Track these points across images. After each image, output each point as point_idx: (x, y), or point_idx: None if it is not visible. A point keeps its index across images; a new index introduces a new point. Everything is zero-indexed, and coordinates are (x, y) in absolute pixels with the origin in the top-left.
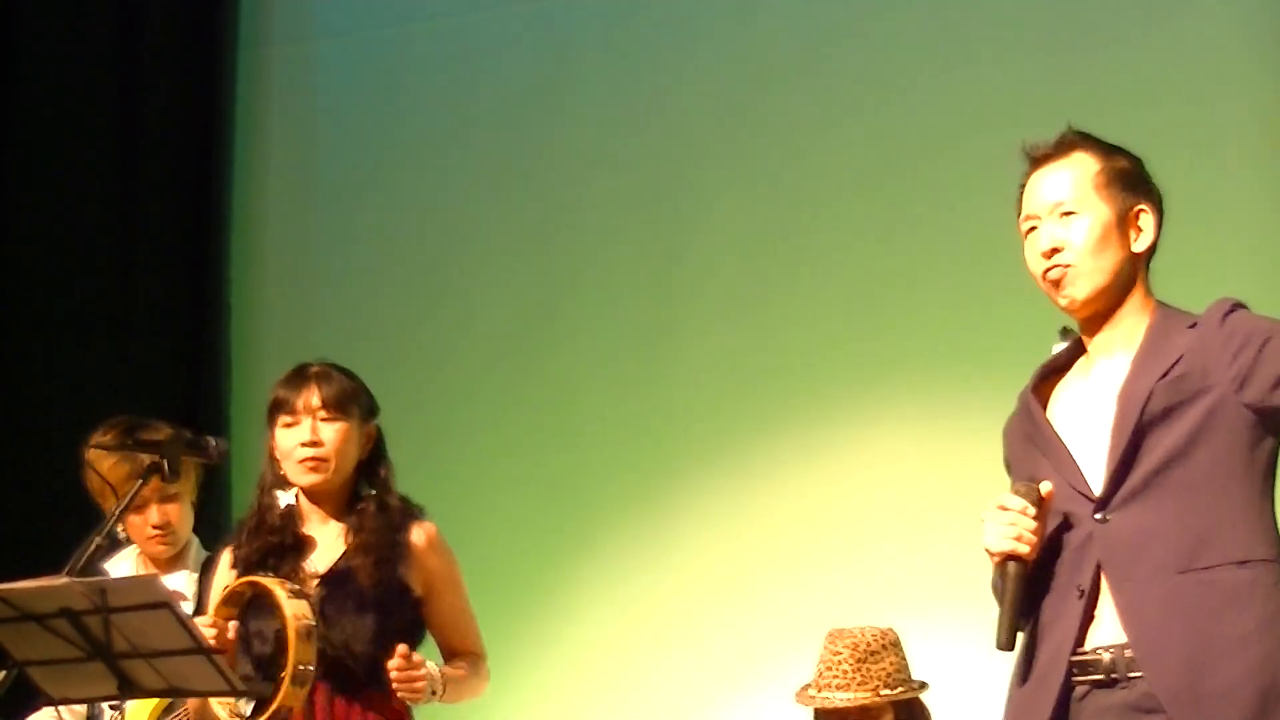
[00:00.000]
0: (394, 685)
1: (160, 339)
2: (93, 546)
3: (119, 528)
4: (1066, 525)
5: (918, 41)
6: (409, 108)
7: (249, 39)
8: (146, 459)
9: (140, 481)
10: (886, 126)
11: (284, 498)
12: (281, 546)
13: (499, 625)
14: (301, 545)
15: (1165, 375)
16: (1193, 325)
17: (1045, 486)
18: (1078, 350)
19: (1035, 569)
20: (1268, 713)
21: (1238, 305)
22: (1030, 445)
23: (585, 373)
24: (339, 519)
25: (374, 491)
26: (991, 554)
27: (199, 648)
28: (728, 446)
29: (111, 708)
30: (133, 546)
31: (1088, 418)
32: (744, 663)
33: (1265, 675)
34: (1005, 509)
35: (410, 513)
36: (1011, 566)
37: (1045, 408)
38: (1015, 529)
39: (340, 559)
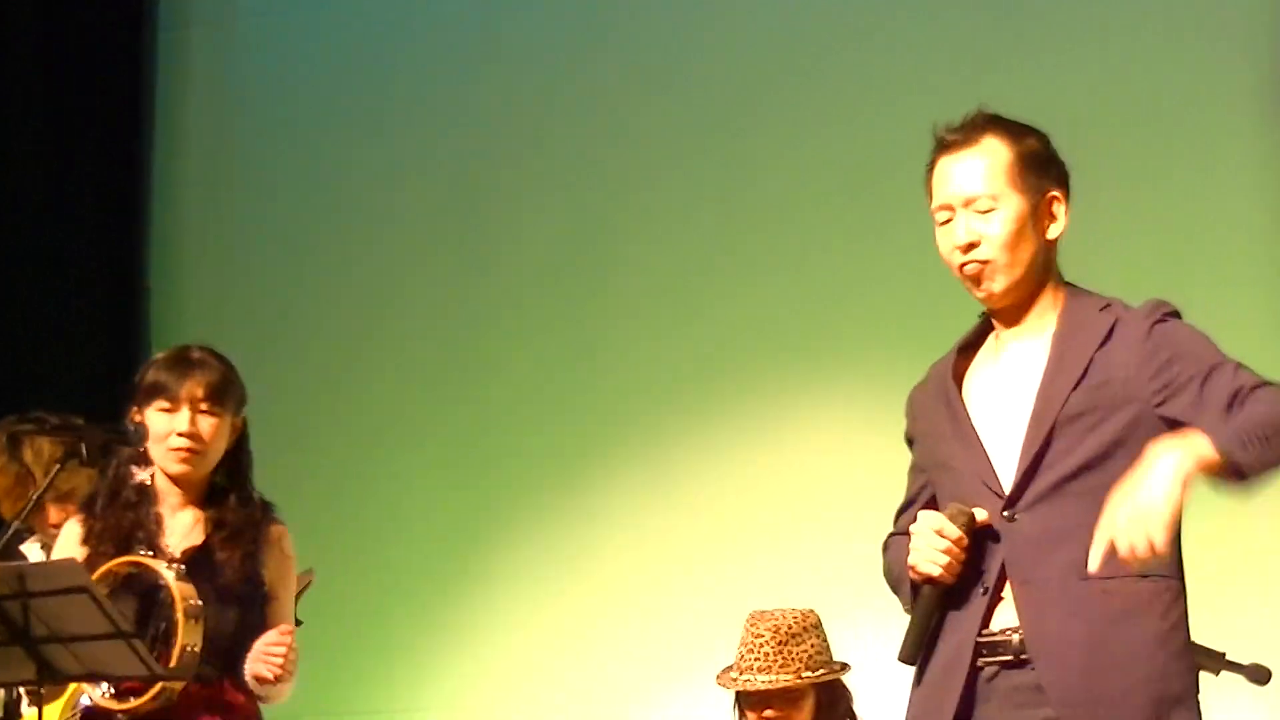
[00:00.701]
0: (273, 657)
1: (80, 320)
2: (10, 532)
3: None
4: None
5: (874, 35)
6: (331, 91)
7: (169, 20)
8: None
9: (58, 467)
10: (838, 119)
11: (140, 474)
12: (135, 524)
13: (425, 616)
14: (157, 525)
15: (1085, 376)
16: (1105, 307)
17: (980, 514)
18: (986, 328)
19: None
20: None
21: (1168, 315)
22: (941, 424)
23: (511, 359)
24: (197, 506)
25: (233, 482)
26: (915, 572)
27: (119, 632)
28: (654, 436)
29: (29, 693)
30: (38, 536)
31: (1001, 408)
32: (669, 649)
33: (1157, 686)
34: (942, 535)
35: (269, 509)
36: (929, 589)
37: (960, 390)
38: (947, 559)
39: (200, 547)
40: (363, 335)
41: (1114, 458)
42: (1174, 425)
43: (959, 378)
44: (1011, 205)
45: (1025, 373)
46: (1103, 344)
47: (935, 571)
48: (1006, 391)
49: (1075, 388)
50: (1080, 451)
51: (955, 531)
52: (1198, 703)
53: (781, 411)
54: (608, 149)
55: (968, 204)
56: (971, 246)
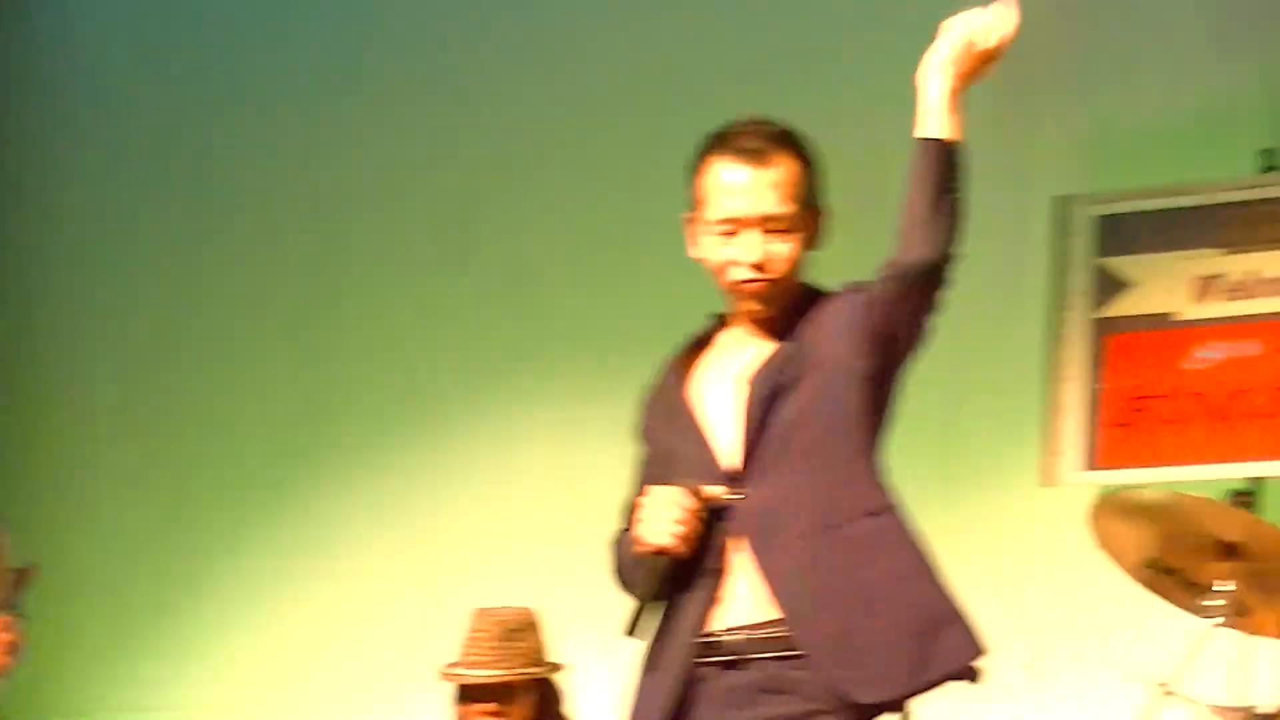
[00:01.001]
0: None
1: None
2: None
3: None
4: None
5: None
6: (171, 75)
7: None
8: None
9: None
10: (555, 111)
11: None
12: None
13: (151, 622)
14: None
15: (794, 350)
16: (825, 300)
17: (711, 489)
18: (720, 325)
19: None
20: (926, 650)
21: (863, 285)
22: (668, 418)
23: (245, 358)
24: None
25: None
26: (643, 544)
27: None
28: (384, 441)
29: None
30: None
31: (724, 397)
32: (398, 648)
33: (921, 610)
34: (678, 505)
35: None
36: (661, 560)
37: (686, 383)
38: (681, 528)
39: None
40: (86, 330)
41: (816, 412)
42: (873, 385)
43: (689, 372)
44: (801, 228)
45: (748, 362)
46: (810, 319)
47: (667, 542)
48: (728, 382)
49: (785, 361)
50: (787, 415)
51: (690, 501)
52: (970, 623)
53: (508, 419)
54: (343, 159)
55: (764, 224)
56: (760, 266)
